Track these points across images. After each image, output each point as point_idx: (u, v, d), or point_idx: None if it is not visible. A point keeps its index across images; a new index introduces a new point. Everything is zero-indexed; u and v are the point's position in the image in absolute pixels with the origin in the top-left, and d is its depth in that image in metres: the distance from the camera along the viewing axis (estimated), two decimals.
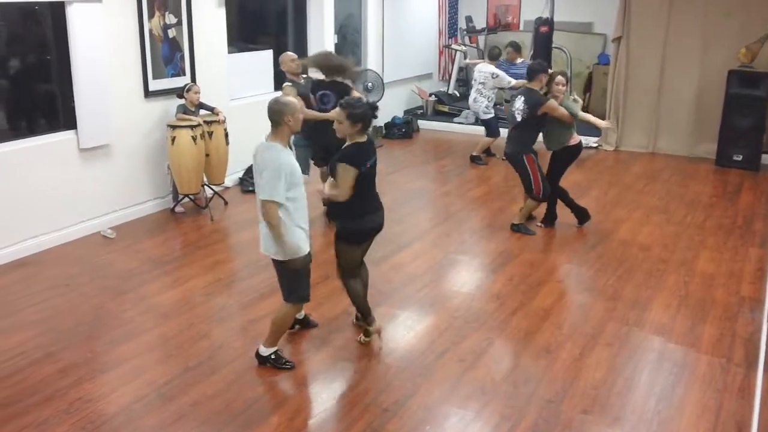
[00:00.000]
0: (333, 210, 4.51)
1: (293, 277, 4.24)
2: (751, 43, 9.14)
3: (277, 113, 4.08)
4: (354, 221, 4.44)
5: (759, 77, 9.13)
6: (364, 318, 4.69)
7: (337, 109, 4.32)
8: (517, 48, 9.68)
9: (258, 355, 4.40)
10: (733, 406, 4.05)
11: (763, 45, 9.08)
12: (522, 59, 9.71)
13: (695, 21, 9.63)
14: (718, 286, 5.67)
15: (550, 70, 6.73)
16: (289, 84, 6.65)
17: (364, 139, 4.35)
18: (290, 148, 4.26)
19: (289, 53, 6.99)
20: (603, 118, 10.45)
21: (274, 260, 4.23)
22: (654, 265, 6.07)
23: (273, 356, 4.37)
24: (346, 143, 4.36)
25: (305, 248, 4.18)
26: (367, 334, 4.68)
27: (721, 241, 6.65)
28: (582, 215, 6.98)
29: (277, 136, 4.12)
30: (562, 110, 6.45)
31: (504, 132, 7.97)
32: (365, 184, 4.33)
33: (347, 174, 4.23)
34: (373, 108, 4.37)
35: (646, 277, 5.83)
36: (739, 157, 9.30)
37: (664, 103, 10.09)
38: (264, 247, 4.23)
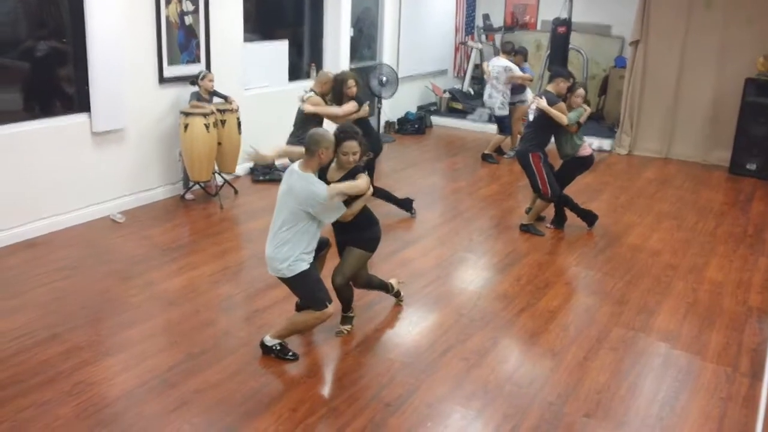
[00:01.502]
0: (352, 226, 4.47)
1: (307, 286, 4.29)
2: None
3: (314, 143, 4.14)
4: (371, 229, 4.60)
5: None
6: (345, 309, 4.78)
7: (347, 142, 4.28)
8: (523, 53, 9.64)
9: (263, 344, 4.40)
10: (737, 415, 4.02)
11: None
12: (526, 65, 9.69)
13: (714, 27, 9.56)
14: (726, 294, 5.63)
15: (572, 80, 6.70)
16: (314, 94, 6.58)
17: None
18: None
19: (327, 73, 6.82)
20: (618, 123, 10.53)
21: (284, 278, 4.28)
22: (663, 271, 6.03)
23: (278, 347, 4.37)
24: (355, 166, 4.39)
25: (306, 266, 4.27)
26: (346, 321, 4.79)
27: (731, 250, 6.60)
28: (590, 218, 6.96)
29: (309, 166, 4.20)
30: (555, 113, 6.42)
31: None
32: None
33: (366, 178, 4.39)
34: None
35: (654, 282, 5.80)
36: (753, 166, 9.24)
37: (679, 108, 10.03)
38: (271, 267, 4.28)
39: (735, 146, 9.38)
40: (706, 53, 9.69)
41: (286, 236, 4.17)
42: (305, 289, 4.32)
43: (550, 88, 6.68)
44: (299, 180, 4.16)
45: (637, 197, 8.19)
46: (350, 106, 6.45)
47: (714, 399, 4.17)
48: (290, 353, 4.38)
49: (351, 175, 4.35)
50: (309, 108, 6.43)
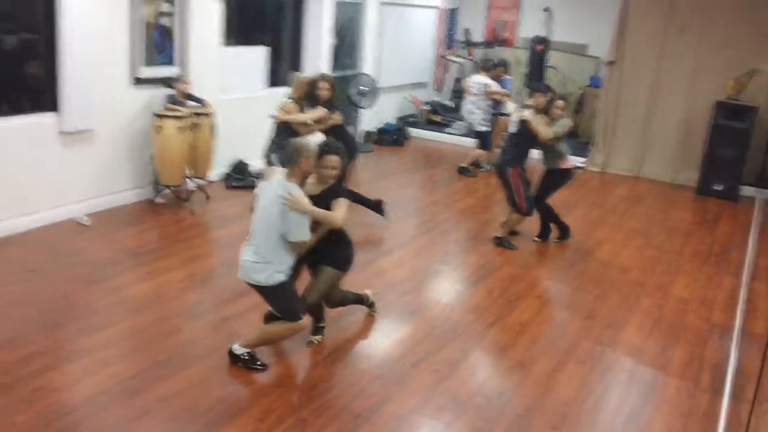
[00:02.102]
0: (326, 244, 4.41)
1: (284, 297, 4.23)
2: (740, 75, 9.24)
3: (295, 152, 4.10)
4: (345, 249, 4.55)
5: (744, 110, 9.22)
6: (319, 320, 4.74)
7: (328, 156, 4.25)
8: (504, 65, 9.68)
9: (231, 353, 4.33)
10: (698, 430, 4.05)
11: (750, 79, 9.18)
12: (507, 77, 9.73)
13: (688, 51, 9.74)
14: (690, 311, 5.69)
15: (551, 94, 6.76)
16: (291, 101, 6.51)
17: None
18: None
19: (304, 77, 6.79)
20: (592, 141, 10.63)
21: (260, 287, 4.20)
22: (631, 288, 6.08)
23: (246, 356, 4.30)
24: (332, 183, 4.36)
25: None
26: (318, 331, 4.74)
27: (697, 268, 6.68)
28: (565, 232, 7.03)
29: (293, 176, 4.14)
30: (538, 125, 6.46)
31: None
32: None
33: (347, 211, 4.34)
34: None
35: (622, 298, 5.84)
36: (720, 187, 9.38)
37: (651, 129, 10.17)
38: (247, 276, 4.19)
39: (703, 167, 9.52)
40: (679, 76, 9.84)
41: (267, 246, 4.11)
42: (282, 300, 4.26)
43: (530, 102, 6.74)
44: (280, 189, 4.07)
45: (608, 214, 8.26)
46: (319, 113, 6.37)
47: (676, 414, 4.20)
48: (258, 362, 4.32)
49: (331, 193, 4.31)
50: (279, 116, 6.38)
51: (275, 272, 4.13)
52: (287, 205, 4.02)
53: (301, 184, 4.19)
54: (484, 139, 9.59)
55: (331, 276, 4.51)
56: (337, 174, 4.34)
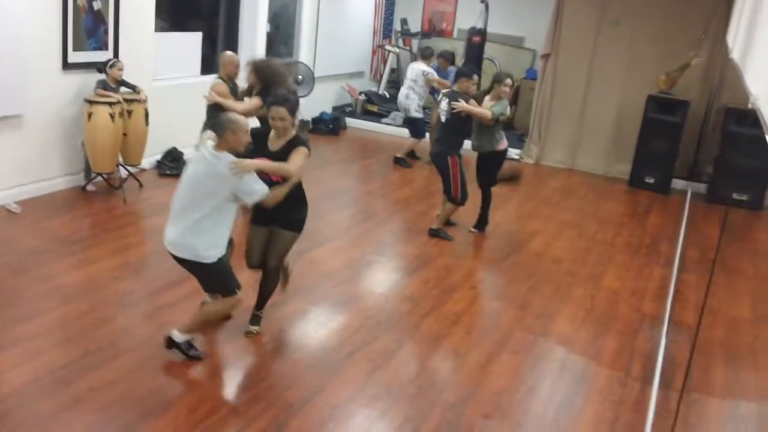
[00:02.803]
0: (281, 205, 4.31)
1: (222, 273, 4.16)
2: (672, 70, 9.50)
3: (220, 126, 4.02)
4: (303, 209, 4.55)
5: (676, 104, 9.49)
6: (261, 306, 4.72)
7: (274, 107, 4.25)
8: (447, 57, 9.77)
9: (169, 339, 4.23)
10: (629, 419, 4.18)
11: (682, 73, 9.45)
12: (452, 67, 9.80)
13: (621, 45, 9.95)
14: (621, 301, 5.86)
15: (474, 76, 6.82)
16: (221, 81, 6.41)
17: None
18: None
19: (231, 55, 6.68)
20: (527, 133, 10.83)
21: (196, 263, 4.09)
22: (563, 278, 6.23)
23: (186, 344, 4.23)
24: (293, 135, 4.35)
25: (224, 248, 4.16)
26: (256, 321, 4.71)
27: (628, 259, 6.88)
28: (483, 224, 7.10)
29: (221, 147, 4.03)
30: (479, 110, 6.51)
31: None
32: None
33: (305, 160, 4.30)
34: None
35: (555, 288, 5.98)
36: (652, 180, 9.65)
37: (585, 121, 10.39)
38: (184, 251, 4.07)
39: (635, 160, 9.77)
40: (613, 69, 10.07)
41: (205, 224, 4.01)
42: (220, 275, 4.17)
43: (455, 88, 6.76)
44: (212, 158, 3.98)
45: (542, 206, 8.43)
46: (253, 103, 6.15)
47: (607, 402, 4.33)
48: (196, 352, 4.26)
49: (291, 144, 4.30)
50: (214, 98, 6.24)
51: (216, 247, 4.07)
52: (236, 173, 3.94)
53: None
54: (416, 127, 9.67)
55: (290, 239, 4.53)
56: (287, 125, 4.30)
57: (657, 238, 7.68)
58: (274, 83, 5.95)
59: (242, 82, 6.76)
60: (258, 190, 4.07)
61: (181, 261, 4.15)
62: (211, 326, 4.52)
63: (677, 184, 9.88)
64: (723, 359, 5.06)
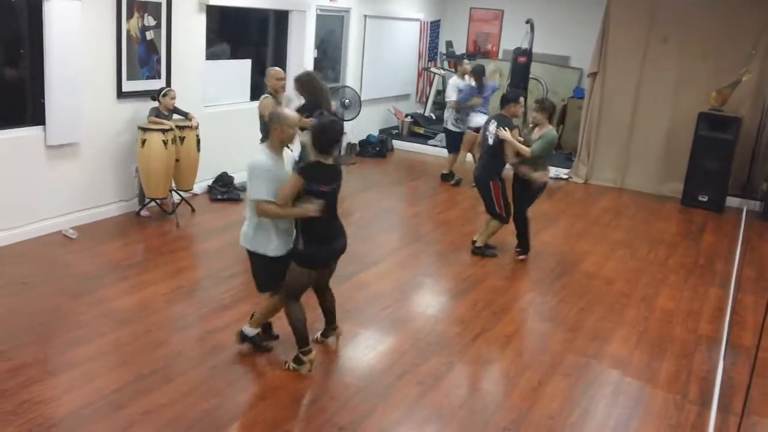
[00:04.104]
0: (298, 233, 4.33)
1: (257, 265, 4.45)
2: (723, 87, 9.34)
3: (270, 119, 4.34)
4: (296, 241, 4.33)
5: (728, 121, 9.31)
6: (299, 344, 4.45)
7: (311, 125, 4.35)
8: (477, 72, 9.55)
9: (241, 333, 4.64)
10: None
11: (733, 90, 9.28)
12: (492, 83, 9.68)
13: (670, 62, 9.83)
14: (676, 323, 5.73)
15: (521, 99, 6.79)
16: (268, 95, 6.56)
17: (328, 161, 4.27)
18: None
19: (274, 69, 6.81)
20: (575, 152, 10.71)
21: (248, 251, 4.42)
22: (616, 299, 6.12)
23: (256, 337, 4.64)
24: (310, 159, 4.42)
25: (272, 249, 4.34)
26: (298, 362, 4.46)
27: (682, 280, 6.73)
28: (526, 247, 6.97)
29: (271, 144, 4.30)
30: (519, 146, 6.45)
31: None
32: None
33: (294, 183, 4.14)
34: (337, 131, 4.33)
35: (607, 310, 5.88)
36: (705, 198, 9.45)
37: (634, 140, 10.25)
38: (243, 240, 4.43)
39: (687, 178, 9.59)
40: (662, 87, 9.94)
41: (251, 214, 4.34)
42: (253, 267, 4.51)
43: (503, 113, 6.72)
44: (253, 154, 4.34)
45: (592, 226, 8.31)
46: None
47: (663, 426, 4.22)
48: (266, 343, 4.66)
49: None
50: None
51: (257, 239, 4.33)
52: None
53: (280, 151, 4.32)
54: (451, 140, 9.75)
55: (290, 269, 4.33)
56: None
57: (712, 257, 7.50)
58: (316, 97, 6.29)
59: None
60: (253, 192, 4.24)
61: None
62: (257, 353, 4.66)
63: (732, 201, 9.66)
64: None
